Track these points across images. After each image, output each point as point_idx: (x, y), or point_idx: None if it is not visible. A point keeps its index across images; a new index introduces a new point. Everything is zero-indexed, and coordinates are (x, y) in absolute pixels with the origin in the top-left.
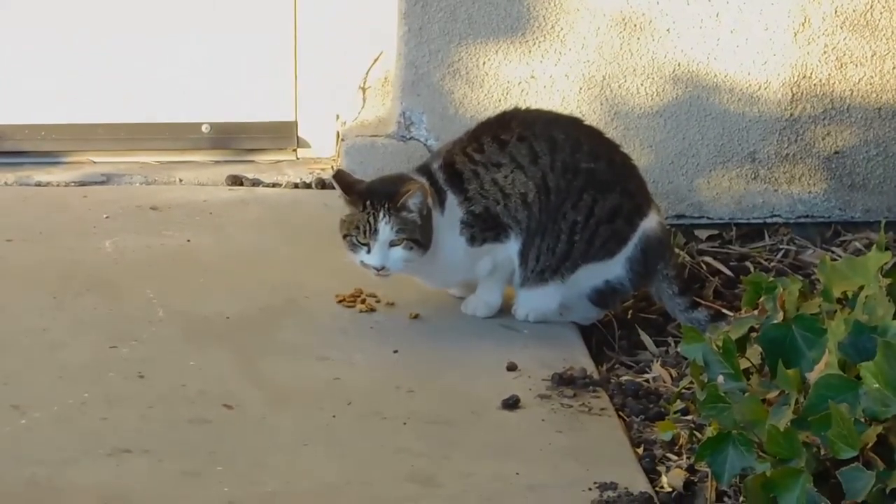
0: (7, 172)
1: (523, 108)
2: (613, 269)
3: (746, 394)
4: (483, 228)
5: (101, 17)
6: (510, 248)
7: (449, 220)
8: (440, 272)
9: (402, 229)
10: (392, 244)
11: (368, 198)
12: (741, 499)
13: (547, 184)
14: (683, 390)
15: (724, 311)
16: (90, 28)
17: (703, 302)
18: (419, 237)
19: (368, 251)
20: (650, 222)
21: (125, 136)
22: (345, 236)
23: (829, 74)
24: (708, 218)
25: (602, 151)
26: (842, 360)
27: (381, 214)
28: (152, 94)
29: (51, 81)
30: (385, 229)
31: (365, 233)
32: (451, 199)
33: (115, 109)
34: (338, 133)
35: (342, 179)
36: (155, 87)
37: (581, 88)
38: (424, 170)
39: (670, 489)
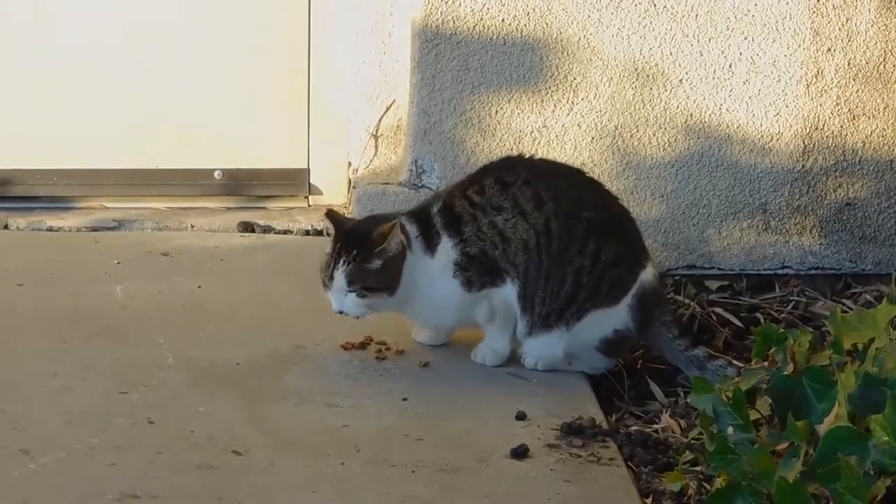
0: (19, 217)
1: (526, 155)
2: (620, 316)
3: (756, 445)
4: (481, 273)
5: (115, 61)
6: (507, 293)
7: (439, 264)
8: (428, 314)
9: (354, 280)
10: (347, 291)
11: (339, 241)
12: None
13: (550, 228)
14: (692, 441)
15: (731, 359)
16: (104, 72)
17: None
18: (375, 284)
19: (330, 292)
20: (647, 274)
21: (137, 182)
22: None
23: (842, 126)
24: (718, 269)
25: (602, 203)
26: (851, 413)
27: (340, 262)
28: (165, 140)
29: (63, 126)
30: (340, 278)
31: (326, 276)
32: (446, 243)
33: (128, 155)
34: (349, 180)
35: (333, 217)
36: (168, 133)
37: (593, 138)
38: (422, 212)
39: None
